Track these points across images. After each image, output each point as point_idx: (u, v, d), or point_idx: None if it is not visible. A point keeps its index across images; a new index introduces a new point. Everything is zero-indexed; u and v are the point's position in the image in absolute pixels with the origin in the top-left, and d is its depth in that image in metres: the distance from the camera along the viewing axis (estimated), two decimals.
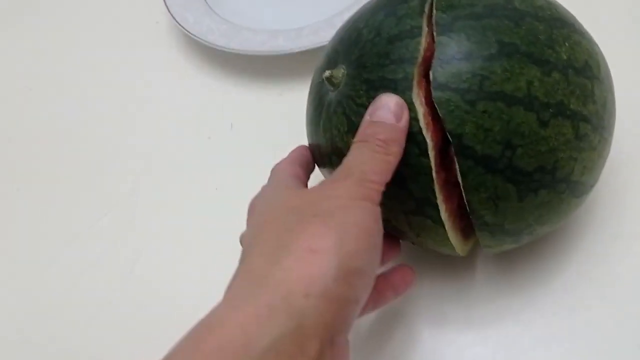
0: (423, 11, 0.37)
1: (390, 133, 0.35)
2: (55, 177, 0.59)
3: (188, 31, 0.62)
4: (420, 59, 0.35)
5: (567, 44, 0.37)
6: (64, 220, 0.56)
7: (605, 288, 0.45)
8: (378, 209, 0.34)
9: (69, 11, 0.74)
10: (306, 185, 0.41)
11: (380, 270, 0.41)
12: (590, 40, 0.40)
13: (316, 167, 0.44)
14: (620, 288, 0.44)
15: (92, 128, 0.62)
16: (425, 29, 0.36)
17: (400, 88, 0.35)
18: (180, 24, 0.62)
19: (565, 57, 0.36)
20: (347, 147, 0.37)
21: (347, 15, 0.59)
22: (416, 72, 0.35)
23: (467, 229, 0.40)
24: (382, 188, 0.34)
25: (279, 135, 0.52)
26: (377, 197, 0.34)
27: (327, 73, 0.38)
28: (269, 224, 0.34)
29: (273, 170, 0.41)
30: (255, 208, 0.38)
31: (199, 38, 0.61)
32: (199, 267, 0.51)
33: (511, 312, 0.44)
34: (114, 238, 0.54)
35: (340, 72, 0.38)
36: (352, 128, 0.37)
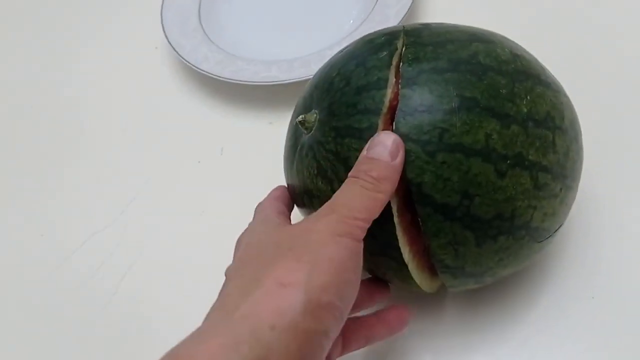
0: (391, 64, 0.38)
1: (384, 170, 0.35)
2: (42, 196, 0.61)
3: (184, 58, 0.64)
4: (385, 110, 0.37)
5: (528, 97, 0.38)
6: (52, 240, 0.58)
7: (578, 321, 0.45)
8: (359, 245, 0.34)
9: (69, 30, 0.76)
10: (289, 221, 0.42)
11: (374, 308, 0.42)
12: (556, 90, 0.41)
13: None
14: (592, 321, 0.45)
15: (83, 148, 0.64)
16: (392, 79, 0.38)
17: (365, 137, 0.37)
18: (176, 51, 0.64)
19: (525, 110, 0.37)
20: (316, 189, 0.39)
21: (337, 49, 0.61)
22: (381, 122, 0.37)
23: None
24: (367, 225, 0.35)
25: (267, 162, 0.53)
26: (360, 234, 0.35)
27: (301, 117, 0.40)
28: (250, 258, 0.36)
29: (257, 208, 0.42)
30: (241, 243, 0.39)
31: (193, 65, 0.63)
32: (183, 288, 0.52)
33: (482, 347, 0.45)
34: (101, 258, 0.55)
35: (312, 117, 0.40)
36: (321, 172, 0.39)
